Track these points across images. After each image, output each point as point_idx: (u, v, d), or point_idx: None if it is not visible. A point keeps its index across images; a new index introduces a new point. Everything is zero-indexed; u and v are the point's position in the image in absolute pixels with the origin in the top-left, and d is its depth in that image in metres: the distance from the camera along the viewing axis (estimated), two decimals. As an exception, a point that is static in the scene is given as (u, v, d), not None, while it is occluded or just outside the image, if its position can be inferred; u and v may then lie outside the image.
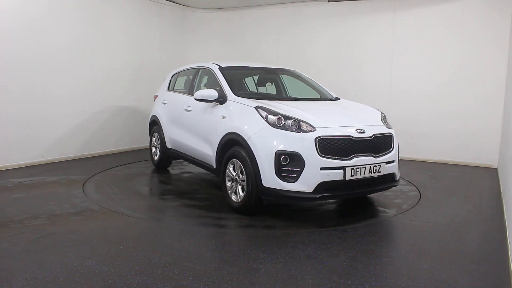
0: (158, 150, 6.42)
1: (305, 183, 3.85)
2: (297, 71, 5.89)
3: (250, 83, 5.85)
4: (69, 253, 3.20)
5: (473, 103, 7.18)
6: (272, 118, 4.07)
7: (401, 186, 5.65)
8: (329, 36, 8.37)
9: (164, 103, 6.28)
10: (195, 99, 4.90)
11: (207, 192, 5.26)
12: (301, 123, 3.98)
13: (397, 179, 4.51)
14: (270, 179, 3.93)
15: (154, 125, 6.51)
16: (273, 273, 2.93)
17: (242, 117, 4.38)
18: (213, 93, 4.79)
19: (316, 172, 3.84)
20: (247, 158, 4.10)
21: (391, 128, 4.53)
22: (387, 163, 4.23)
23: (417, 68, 7.61)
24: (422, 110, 7.60)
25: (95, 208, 4.42)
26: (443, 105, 7.42)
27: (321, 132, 3.94)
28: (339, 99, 5.31)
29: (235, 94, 4.74)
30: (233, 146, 4.36)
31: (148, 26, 8.47)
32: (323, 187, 3.88)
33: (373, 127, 4.27)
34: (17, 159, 6.23)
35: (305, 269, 3.01)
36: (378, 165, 4.12)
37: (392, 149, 4.35)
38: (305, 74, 5.84)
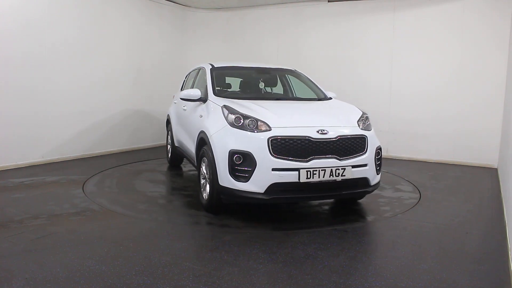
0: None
1: (257, 184, 3.78)
2: (297, 70, 5.84)
3: (246, 83, 5.83)
4: (69, 253, 3.20)
5: (473, 103, 7.18)
6: (231, 117, 4.06)
7: (401, 187, 5.65)
8: (329, 36, 8.37)
9: (175, 103, 6.45)
10: (180, 98, 4.98)
11: (197, 189, 5.29)
12: (258, 122, 3.93)
13: (373, 184, 4.21)
14: (224, 178, 3.92)
15: (168, 124, 6.78)
16: (273, 273, 2.93)
17: (211, 116, 4.42)
18: (196, 93, 4.87)
19: (267, 172, 3.75)
20: (211, 156, 4.11)
21: (369, 130, 4.28)
22: (355, 166, 3.98)
23: (417, 68, 7.61)
24: (422, 110, 7.60)
25: (95, 208, 4.42)
26: (443, 105, 7.42)
27: (275, 132, 3.84)
28: (331, 99, 5.16)
29: (215, 94, 4.79)
30: (204, 145, 4.39)
31: (148, 26, 8.47)
32: (275, 188, 3.79)
33: (341, 128, 4.04)
34: (17, 159, 6.23)
35: (305, 269, 3.01)
36: (342, 169, 3.88)
37: (365, 152, 4.08)
38: (304, 73, 5.79)
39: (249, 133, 3.88)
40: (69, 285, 2.69)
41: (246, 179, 3.81)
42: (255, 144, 3.81)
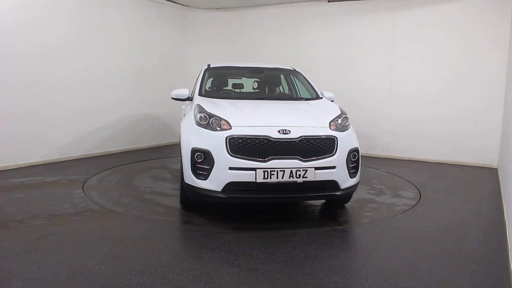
0: None
1: (214, 182, 3.80)
2: (296, 69, 5.79)
3: (241, 82, 5.85)
4: (69, 253, 3.20)
5: (473, 103, 7.18)
6: (198, 116, 4.10)
7: (401, 187, 5.65)
8: (329, 36, 8.37)
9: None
10: (171, 97, 5.04)
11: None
12: (221, 121, 3.94)
13: (344, 187, 3.97)
14: (188, 175, 3.96)
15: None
16: (273, 273, 2.93)
17: (188, 115, 4.50)
18: (183, 92, 4.94)
19: (224, 171, 3.76)
20: (180, 154, 4.19)
21: (344, 131, 4.06)
22: (320, 168, 3.81)
23: (417, 68, 7.61)
24: (422, 110, 7.59)
25: (95, 208, 4.42)
26: (443, 105, 7.42)
27: (235, 131, 3.83)
28: (322, 98, 5.03)
29: (201, 94, 4.84)
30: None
31: (149, 25, 8.47)
32: (232, 187, 3.78)
33: (306, 128, 3.90)
34: (17, 159, 6.23)
35: (305, 269, 3.01)
36: (304, 170, 3.75)
37: (333, 154, 3.90)
38: (302, 73, 5.71)
39: (210, 131, 3.92)
40: (69, 285, 2.69)
41: (205, 177, 3.84)
42: (214, 142, 3.84)
